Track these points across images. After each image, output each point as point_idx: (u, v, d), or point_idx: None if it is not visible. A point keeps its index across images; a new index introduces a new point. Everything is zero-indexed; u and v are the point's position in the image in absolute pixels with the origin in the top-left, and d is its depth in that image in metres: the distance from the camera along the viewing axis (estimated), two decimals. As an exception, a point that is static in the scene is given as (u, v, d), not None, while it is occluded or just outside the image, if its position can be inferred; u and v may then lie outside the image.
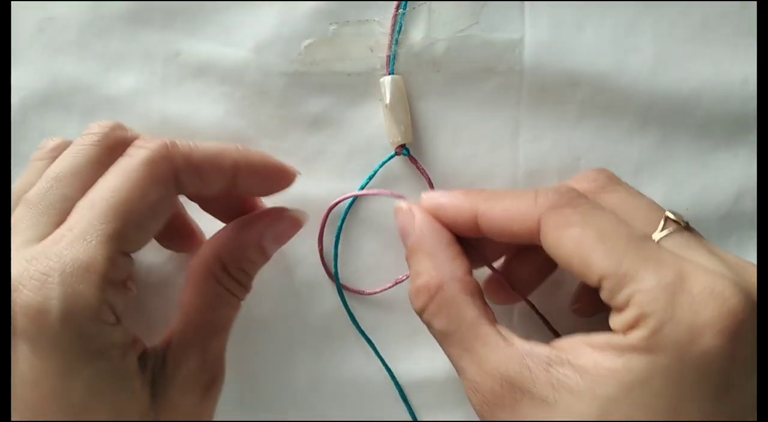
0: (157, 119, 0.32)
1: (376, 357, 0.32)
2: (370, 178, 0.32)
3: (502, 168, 0.32)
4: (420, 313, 0.26)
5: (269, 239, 0.29)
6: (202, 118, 0.32)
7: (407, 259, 0.27)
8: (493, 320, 0.25)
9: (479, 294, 0.26)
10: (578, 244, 0.23)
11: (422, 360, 0.32)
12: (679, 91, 0.32)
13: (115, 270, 0.23)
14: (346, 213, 0.32)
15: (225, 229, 0.29)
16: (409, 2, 0.32)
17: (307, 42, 0.32)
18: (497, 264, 0.30)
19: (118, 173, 0.25)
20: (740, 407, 0.22)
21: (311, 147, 0.32)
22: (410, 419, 0.33)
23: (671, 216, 0.25)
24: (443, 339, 0.25)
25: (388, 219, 0.32)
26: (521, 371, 0.23)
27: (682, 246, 0.24)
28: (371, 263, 0.32)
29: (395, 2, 0.32)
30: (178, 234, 0.31)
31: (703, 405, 0.21)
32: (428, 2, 0.32)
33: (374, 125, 0.32)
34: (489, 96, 0.32)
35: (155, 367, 0.26)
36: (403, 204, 0.28)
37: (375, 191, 0.32)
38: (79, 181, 0.26)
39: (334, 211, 0.32)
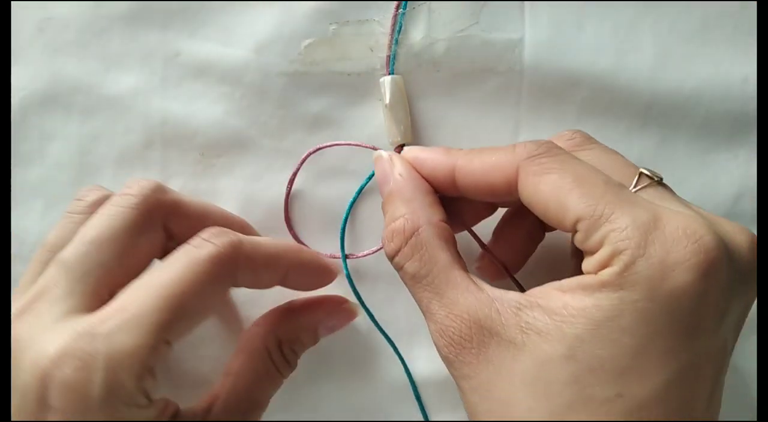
0: (157, 119, 0.32)
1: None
2: (370, 178, 0.32)
3: (502, 168, 0.32)
4: (392, 257, 0.26)
5: (324, 327, 0.30)
6: (202, 118, 0.32)
7: (383, 206, 0.28)
8: (465, 267, 0.25)
9: (453, 241, 0.26)
10: (555, 189, 0.23)
11: (426, 358, 0.32)
12: (679, 91, 0.32)
13: (155, 359, 0.23)
14: (350, 209, 0.32)
15: (284, 307, 0.30)
16: (409, 2, 0.32)
17: (307, 42, 0.32)
18: (485, 239, 0.30)
19: (182, 263, 0.24)
20: (707, 350, 0.22)
21: (311, 147, 0.32)
22: (420, 417, 0.33)
23: (646, 172, 0.25)
24: (414, 282, 0.25)
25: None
26: (491, 314, 0.23)
27: (656, 198, 0.24)
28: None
29: (395, 2, 0.32)
30: None
31: (670, 343, 0.21)
32: (428, 2, 0.32)
33: (374, 125, 0.32)
34: (489, 96, 0.32)
35: None
36: (383, 153, 0.28)
37: (354, 143, 0.32)
38: (117, 247, 0.26)
39: (339, 206, 0.32)
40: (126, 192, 0.27)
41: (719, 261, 0.21)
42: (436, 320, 0.24)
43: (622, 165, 0.26)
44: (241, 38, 0.32)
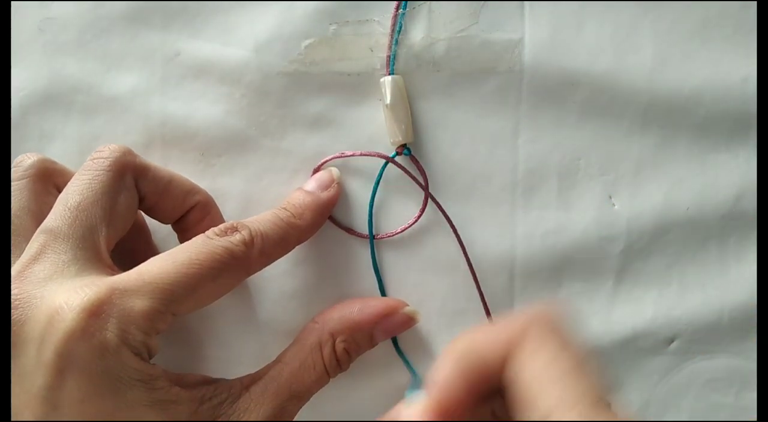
0: (157, 119, 0.32)
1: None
2: (378, 182, 0.32)
3: (502, 168, 0.32)
4: None
5: (381, 330, 0.30)
6: (202, 118, 0.32)
7: None
8: None
9: None
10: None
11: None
12: (679, 91, 0.32)
13: (161, 324, 0.25)
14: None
15: (342, 306, 0.31)
16: (409, 2, 0.32)
17: (307, 42, 0.32)
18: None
19: (194, 246, 0.26)
20: None
21: (311, 147, 0.32)
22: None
23: None
24: None
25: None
26: None
27: None
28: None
29: (395, 2, 0.32)
30: None
31: None
32: (428, 2, 0.32)
33: (374, 125, 0.32)
34: (489, 96, 0.32)
35: (225, 401, 0.27)
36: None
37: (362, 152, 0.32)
38: (101, 211, 0.27)
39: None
40: (98, 156, 0.28)
41: None
42: None
43: None
44: (241, 38, 0.32)
